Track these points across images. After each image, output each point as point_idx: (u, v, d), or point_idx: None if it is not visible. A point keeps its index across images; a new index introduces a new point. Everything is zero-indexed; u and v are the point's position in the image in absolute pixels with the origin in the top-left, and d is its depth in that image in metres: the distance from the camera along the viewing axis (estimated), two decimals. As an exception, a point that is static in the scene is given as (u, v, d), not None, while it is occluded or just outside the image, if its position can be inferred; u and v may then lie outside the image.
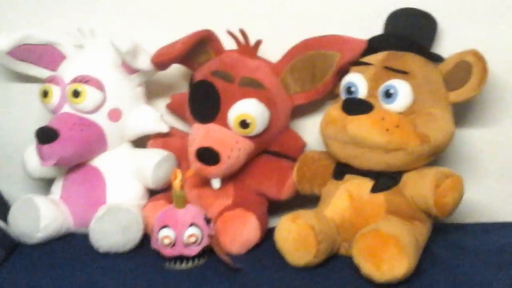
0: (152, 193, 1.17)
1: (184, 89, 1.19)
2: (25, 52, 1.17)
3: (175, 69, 1.18)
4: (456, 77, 1.00)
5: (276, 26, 1.17)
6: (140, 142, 1.21)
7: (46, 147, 1.08)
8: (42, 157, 1.10)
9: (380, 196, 1.00)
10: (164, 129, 1.18)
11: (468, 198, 0.99)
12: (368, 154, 0.98)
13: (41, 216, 1.09)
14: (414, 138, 0.96)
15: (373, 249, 0.89)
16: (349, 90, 1.03)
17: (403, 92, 0.98)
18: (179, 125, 1.23)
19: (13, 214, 1.10)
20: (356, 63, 1.05)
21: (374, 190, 1.00)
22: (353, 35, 1.07)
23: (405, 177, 1.00)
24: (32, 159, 1.15)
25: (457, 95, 1.01)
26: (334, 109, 1.01)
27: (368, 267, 0.90)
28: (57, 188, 1.17)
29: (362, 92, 1.02)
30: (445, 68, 1.01)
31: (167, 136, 1.19)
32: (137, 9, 1.21)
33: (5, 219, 1.11)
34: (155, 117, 1.18)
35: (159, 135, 1.19)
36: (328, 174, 1.07)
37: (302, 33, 1.10)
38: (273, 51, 1.13)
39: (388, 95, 0.99)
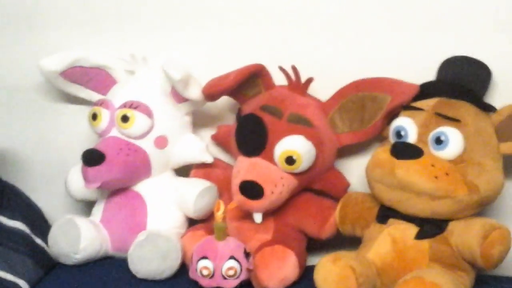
0: (191, 222, 1.17)
1: (230, 121, 1.20)
2: (77, 74, 1.19)
3: (222, 101, 1.18)
4: (509, 128, 0.99)
5: (328, 65, 1.16)
6: (182, 170, 1.21)
7: (91, 170, 1.09)
8: (87, 179, 1.10)
9: (425, 243, 0.98)
10: (208, 159, 1.18)
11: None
12: (414, 199, 0.97)
13: (81, 237, 1.09)
14: (462, 187, 0.95)
15: (417, 297, 0.88)
16: (398, 134, 1.03)
17: (454, 140, 0.97)
18: (222, 156, 1.23)
19: (53, 234, 1.11)
20: (407, 107, 1.05)
21: (419, 236, 0.99)
22: (405, 80, 1.07)
23: (451, 226, 0.98)
24: (75, 180, 1.16)
25: (509, 147, 0.99)
26: (382, 152, 1.00)
27: (410, 315, 0.88)
28: (98, 210, 1.17)
29: (411, 137, 1.01)
30: (497, 118, 1.00)
31: (211, 167, 1.19)
32: (191, 40, 1.22)
33: (45, 238, 1.12)
34: (201, 147, 1.17)
35: (203, 165, 1.19)
36: (371, 216, 1.05)
37: (353, 75, 1.10)
38: (323, 90, 1.13)
39: (438, 142, 0.98)
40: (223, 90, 1.12)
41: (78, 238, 1.09)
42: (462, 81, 1.06)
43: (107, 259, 1.14)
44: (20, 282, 1.03)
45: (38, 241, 1.12)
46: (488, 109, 1.03)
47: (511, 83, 1.10)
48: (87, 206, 1.22)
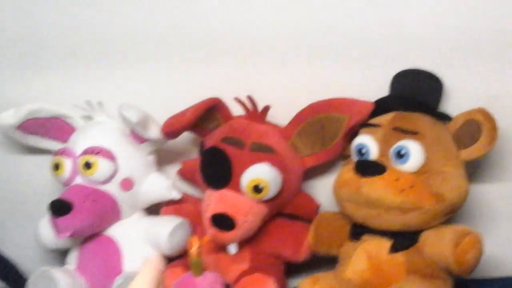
0: (168, 259, 1.16)
1: (194, 155, 1.20)
2: (34, 125, 1.19)
3: (184, 136, 1.19)
4: (466, 135, 1.01)
5: (283, 91, 1.18)
6: (153, 209, 1.21)
7: (60, 220, 1.08)
8: (57, 229, 1.10)
9: (400, 256, 1.00)
10: (176, 196, 1.18)
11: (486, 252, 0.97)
12: (384, 215, 0.99)
13: (59, 289, 1.08)
14: (429, 198, 0.97)
15: (398, 310, 0.89)
16: (360, 152, 1.04)
17: (415, 152, 0.99)
18: (191, 190, 1.24)
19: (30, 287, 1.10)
20: (365, 125, 1.07)
21: (393, 250, 1.00)
22: (359, 98, 1.09)
23: (424, 236, 1.00)
24: (46, 231, 1.15)
25: (468, 154, 1.01)
26: (346, 171, 1.02)
27: (393, 329, 0.90)
28: (72, 258, 1.16)
29: (373, 153, 1.03)
30: (453, 126, 1.02)
31: (180, 203, 1.20)
32: (144, 80, 1.23)
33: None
34: (167, 185, 1.18)
35: (172, 202, 1.20)
36: (344, 234, 1.07)
37: (309, 98, 1.11)
38: (281, 116, 1.15)
39: (400, 155, 0.99)
40: (182, 128, 1.12)
41: (56, 290, 1.08)
42: (415, 93, 1.08)
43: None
44: None
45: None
46: (444, 118, 1.06)
47: (464, 89, 1.13)
48: (60, 255, 1.21)
